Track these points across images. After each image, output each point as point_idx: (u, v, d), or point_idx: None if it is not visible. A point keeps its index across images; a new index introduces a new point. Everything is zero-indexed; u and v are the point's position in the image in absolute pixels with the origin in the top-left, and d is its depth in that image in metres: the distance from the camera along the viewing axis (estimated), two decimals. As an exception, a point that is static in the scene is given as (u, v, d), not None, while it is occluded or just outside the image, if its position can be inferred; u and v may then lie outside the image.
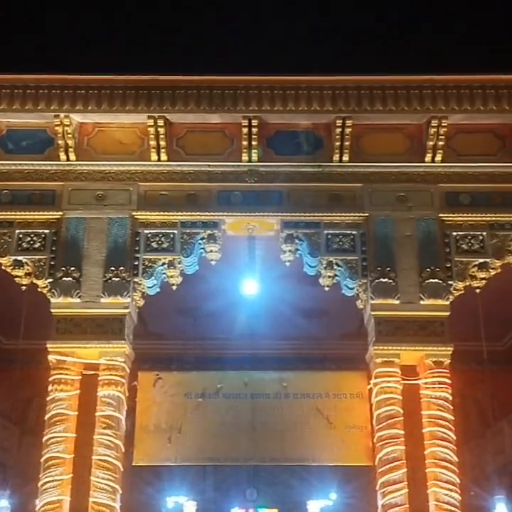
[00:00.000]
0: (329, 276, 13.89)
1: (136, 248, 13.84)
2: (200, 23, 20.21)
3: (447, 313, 13.38)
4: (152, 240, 13.92)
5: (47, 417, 13.00)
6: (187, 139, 14.38)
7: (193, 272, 14.17)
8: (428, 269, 13.58)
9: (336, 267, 13.82)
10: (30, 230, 13.82)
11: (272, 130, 14.28)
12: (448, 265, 13.66)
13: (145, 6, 20.78)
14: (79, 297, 13.40)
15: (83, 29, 19.68)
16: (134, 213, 13.99)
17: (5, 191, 14.04)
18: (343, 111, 13.88)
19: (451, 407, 13.05)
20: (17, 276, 13.64)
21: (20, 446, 18.00)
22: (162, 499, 19.57)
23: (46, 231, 13.84)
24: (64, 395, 12.98)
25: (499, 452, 17.82)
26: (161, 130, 13.97)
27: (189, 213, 13.98)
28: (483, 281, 13.67)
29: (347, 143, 14.00)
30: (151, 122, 13.96)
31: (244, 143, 14.01)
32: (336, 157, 14.09)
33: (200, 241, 13.93)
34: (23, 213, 13.87)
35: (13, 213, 13.87)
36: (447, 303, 13.43)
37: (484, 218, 13.89)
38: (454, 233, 13.88)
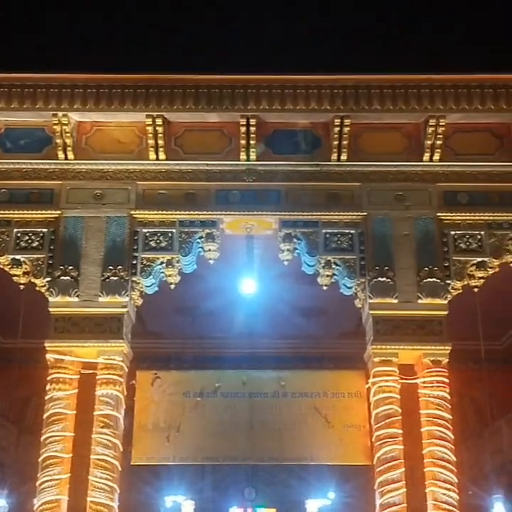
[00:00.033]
0: (327, 276, 13.87)
1: (135, 247, 13.83)
2: (200, 23, 20.24)
3: (445, 313, 13.36)
4: (150, 238, 13.90)
5: (45, 416, 12.97)
6: (185, 138, 14.36)
7: (192, 271, 14.16)
8: (426, 269, 13.56)
9: (334, 266, 13.80)
10: (28, 229, 13.80)
11: (270, 129, 14.26)
12: (446, 264, 13.65)
13: (145, 6, 20.81)
14: (77, 296, 13.38)
15: (83, 29, 19.72)
16: (132, 212, 13.97)
17: (3, 190, 14.02)
18: (341, 110, 13.86)
19: (449, 406, 13.03)
20: (15, 275, 13.62)
21: (18, 445, 18.06)
22: (160, 498, 19.63)
23: (44, 230, 13.82)
24: (62, 394, 12.95)
25: (497, 451, 17.86)
26: (160, 129, 13.94)
27: (187, 212, 13.96)
28: (481, 281, 13.66)
29: (345, 142, 13.99)
30: (149, 121, 13.94)
31: (243, 142, 14.00)
32: (334, 156, 14.08)
33: (198, 240, 13.92)
34: (21, 212, 13.85)
35: (11, 212, 13.86)
36: (445, 302, 13.41)
37: (482, 217, 13.88)
38: (452, 232, 13.87)
